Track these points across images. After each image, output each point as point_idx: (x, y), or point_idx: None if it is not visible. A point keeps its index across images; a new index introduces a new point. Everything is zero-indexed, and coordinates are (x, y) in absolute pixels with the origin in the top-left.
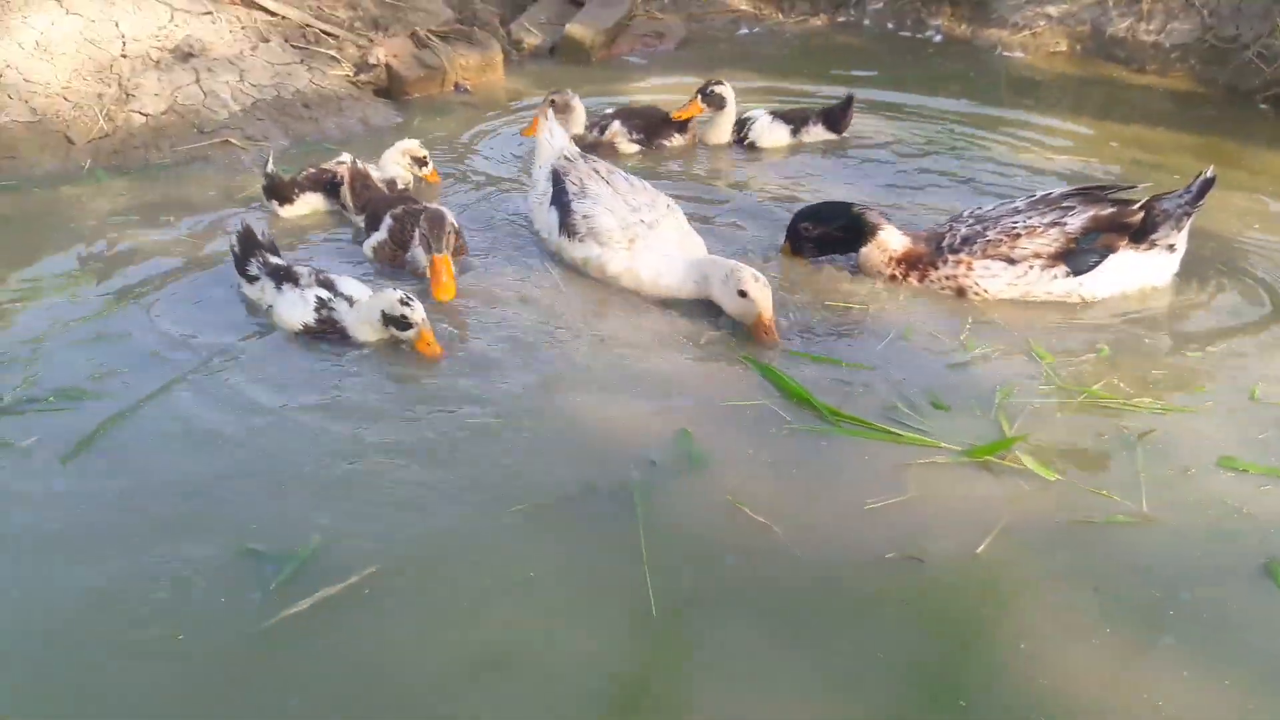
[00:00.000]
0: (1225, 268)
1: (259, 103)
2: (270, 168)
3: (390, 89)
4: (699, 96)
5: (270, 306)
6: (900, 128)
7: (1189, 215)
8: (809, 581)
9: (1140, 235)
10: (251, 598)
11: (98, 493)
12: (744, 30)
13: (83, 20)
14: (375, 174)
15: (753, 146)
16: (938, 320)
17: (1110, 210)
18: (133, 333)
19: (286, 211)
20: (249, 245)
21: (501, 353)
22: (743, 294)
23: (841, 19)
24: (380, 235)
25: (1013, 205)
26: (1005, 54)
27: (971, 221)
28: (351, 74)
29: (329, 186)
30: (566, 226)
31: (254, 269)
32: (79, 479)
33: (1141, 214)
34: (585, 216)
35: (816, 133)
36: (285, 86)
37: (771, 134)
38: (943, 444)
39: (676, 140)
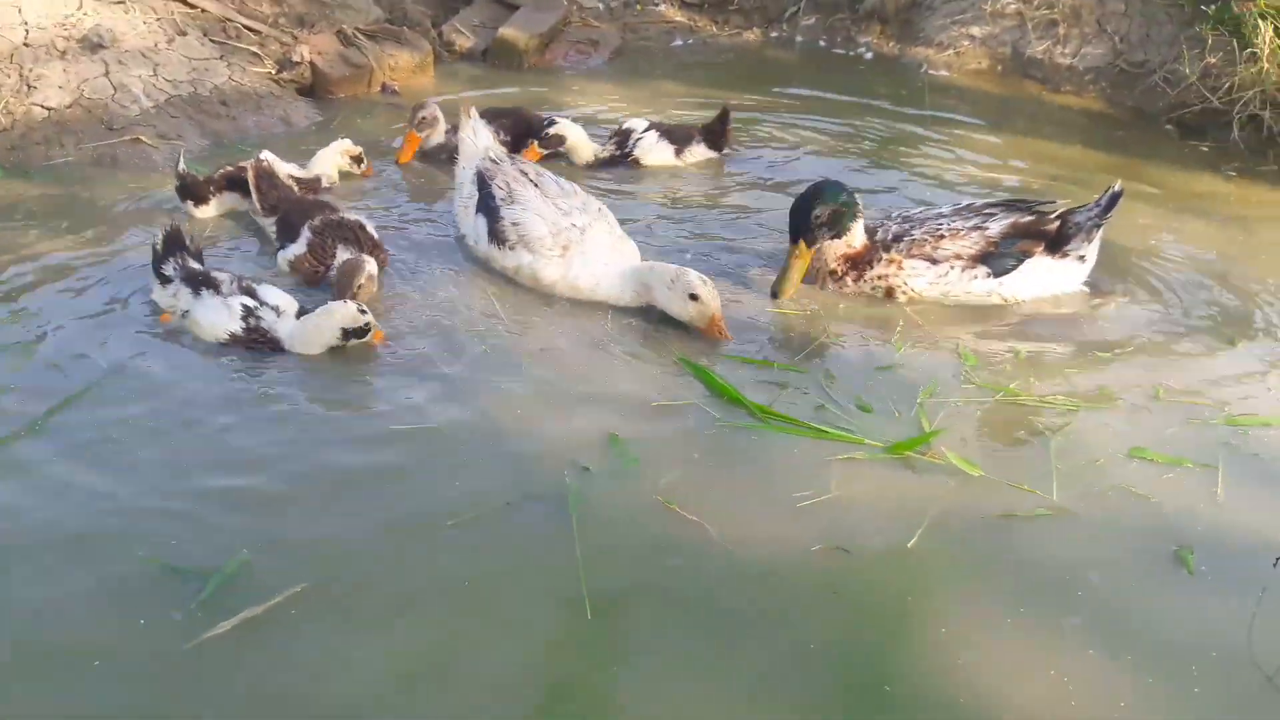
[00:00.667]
0: (1131, 277)
1: (173, 99)
2: (182, 167)
3: (314, 88)
4: (534, 142)
5: (186, 313)
6: (817, 141)
7: (1099, 227)
8: (741, 578)
9: (1055, 245)
10: (173, 618)
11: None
12: (678, 42)
13: None
14: (295, 171)
15: (636, 163)
16: (868, 324)
17: (1029, 218)
18: (30, 346)
19: (202, 212)
20: (172, 246)
21: (428, 361)
22: (694, 297)
23: (774, 34)
24: (298, 249)
25: (938, 210)
26: (931, 72)
27: (900, 220)
28: (274, 71)
29: (246, 184)
30: (495, 234)
31: (169, 270)
32: None
33: (1057, 224)
34: (515, 223)
35: (699, 152)
36: (202, 83)
37: (656, 152)
38: (867, 441)
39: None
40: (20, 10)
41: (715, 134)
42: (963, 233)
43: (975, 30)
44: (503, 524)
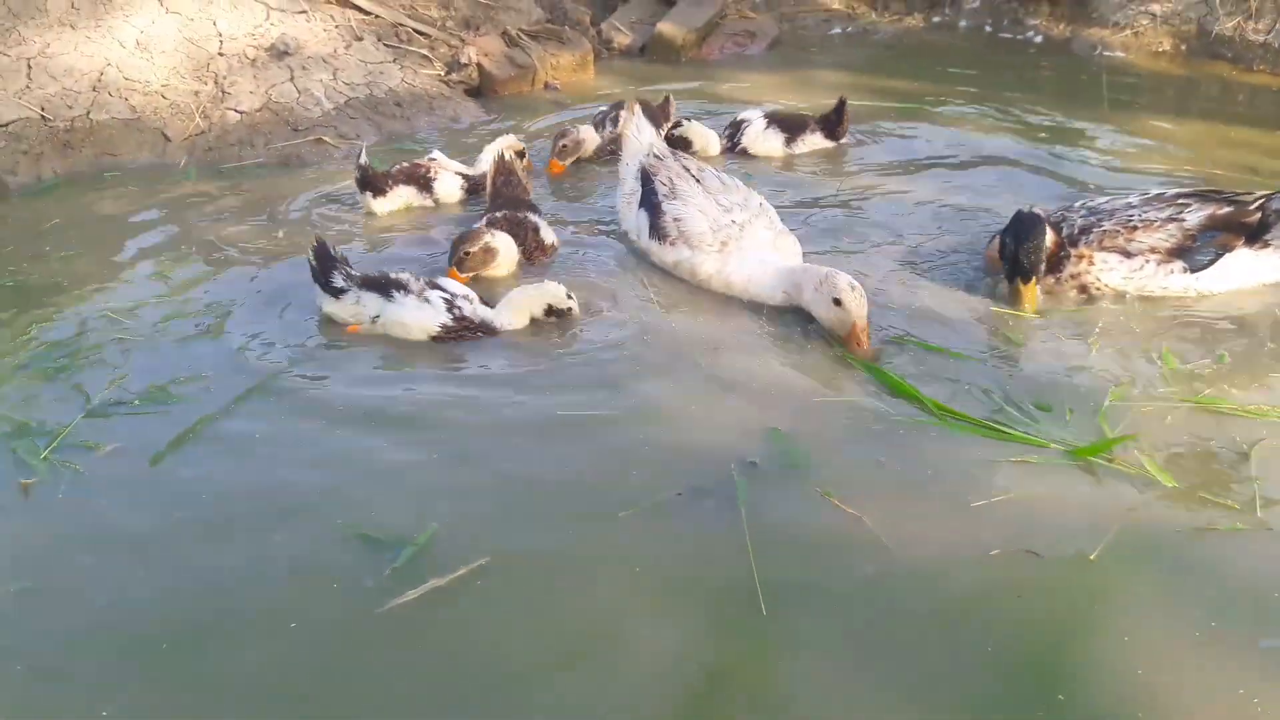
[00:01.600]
0: None
1: (352, 101)
2: (364, 160)
3: (481, 88)
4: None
5: (376, 318)
6: (979, 130)
7: None
8: (911, 577)
9: (1255, 235)
10: (366, 585)
11: (194, 490)
12: (836, 30)
13: (181, 19)
14: (463, 169)
15: (745, 153)
16: (1065, 322)
17: (1228, 209)
18: (222, 334)
19: (379, 204)
20: (326, 260)
21: (597, 353)
22: (837, 302)
23: (937, 19)
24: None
25: (1125, 200)
26: (1106, 54)
27: (1085, 213)
28: (443, 73)
29: (421, 180)
30: (657, 229)
31: (340, 281)
32: (174, 478)
33: (1258, 214)
34: (676, 219)
35: (813, 141)
36: (378, 85)
37: (765, 142)
38: (1051, 444)
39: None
40: (215, 23)
41: (831, 123)
42: (1157, 224)
43: (1155, 7)
44: (674, 515)
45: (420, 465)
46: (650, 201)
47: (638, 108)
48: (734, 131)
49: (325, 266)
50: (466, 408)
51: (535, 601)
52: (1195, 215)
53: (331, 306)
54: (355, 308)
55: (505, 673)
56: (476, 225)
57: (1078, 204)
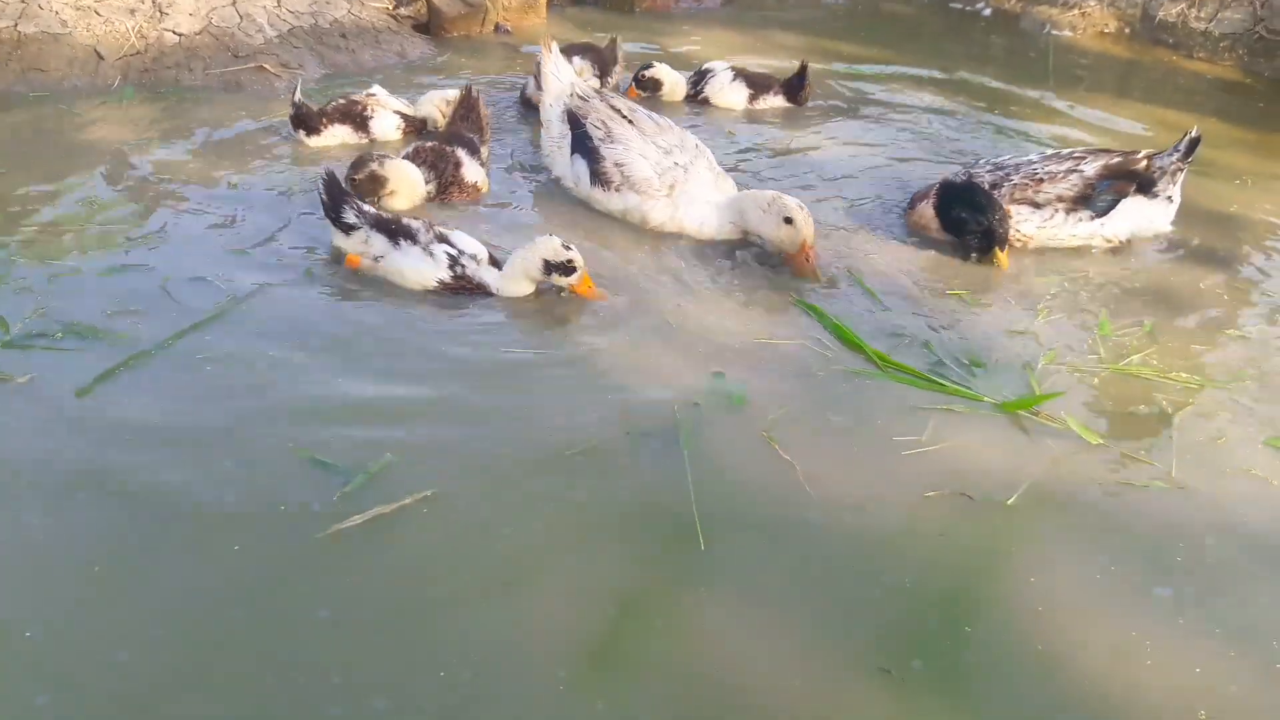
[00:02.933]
0: (1265, 258)
1: (295, 30)
2: (298, 97)
3: (430, 25)
4: (634, 84)
5: (379, 258)
6: (919, 99)
7: (1181, 170)
8: (841, 517)
9: (1145, 185)
10: (313, 509)
11: (128, 418)
12: None
13: None
14: (403, 108)
15: (706, 102)
16: (1005, 284)
17: (1118, 159)
18: (154, 266)
19: (313, 141)
20: (336, 193)
21: (541, 300)
22: (788, 220)
23: None
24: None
25: (1026, 157)
26: (1054, 32)
27: (991, 168)
28: (391, 7)
29: (357, 118)
30: (599, 176)
31: (351, 217)
32: (110, 406)
33: (1145, 162)
34: (618, 164)
35: (775, 101)
36: (323, 15)
37: (729, 93)
38: (984, 397)
39: (615, 77)
40: None
41: (794, 87)
42: (1060, 176)
43: None
44: (620, 455)
45: (370, 399)
46: (585, 146)
47: (554, 45)
48: (698, 80)
49: (335, 201)
50: (421, 347)
51: (475, 532)
52: (1091, 166)
53: (340, 241)
54: (363, 246)
55: (432, 599)
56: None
57: (980, 161)
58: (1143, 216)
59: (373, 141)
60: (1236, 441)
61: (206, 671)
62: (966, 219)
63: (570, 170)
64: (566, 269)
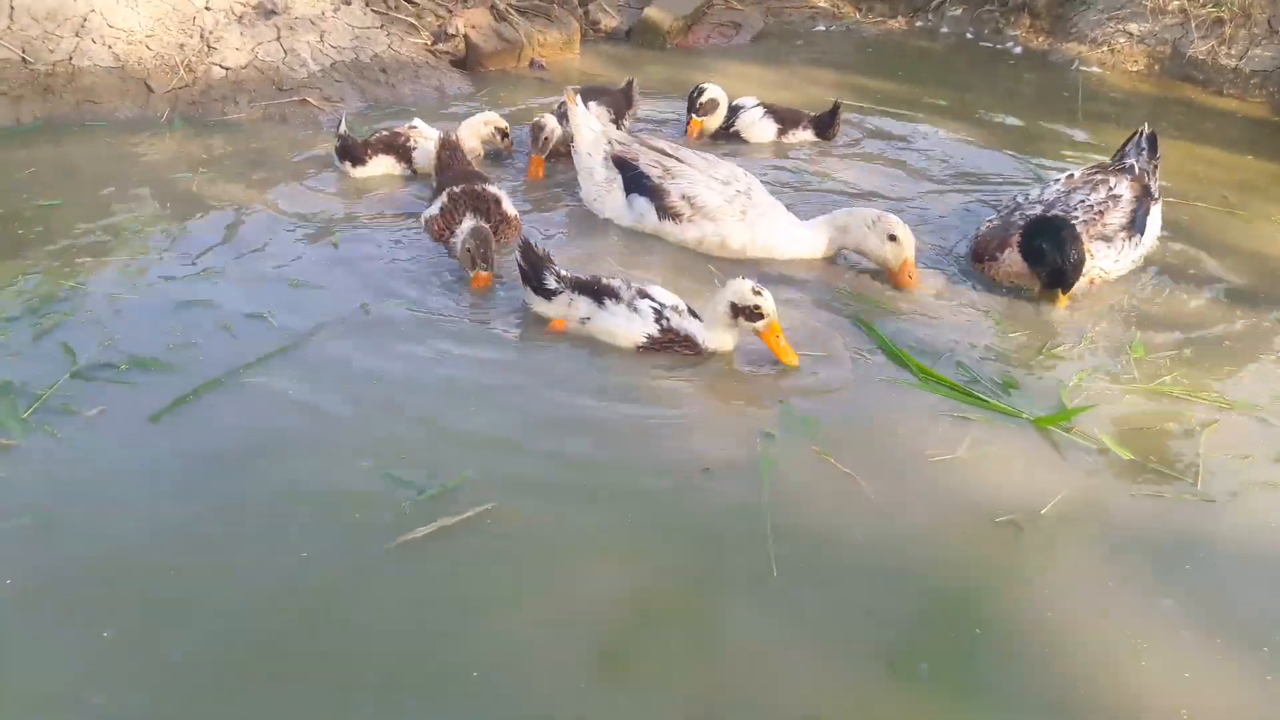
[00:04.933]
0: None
1: (337, 64)
2: (343, 129)
3: (467, 60)
4: (694, 115)
5: (585, 320)
6: (954, 136)
7: (1156, 167)
8: (881, 524)
9: (1149, 192)
10: (384, 519)
11: (198, 443)
12: (820, 27)
13: None
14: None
15: (737, 136)
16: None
17: (1128, 175)
18: (214, 301)
19: (358, 172)
20: (536, 260)
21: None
22: (892, 238)
23: (920, 23)
24: (432, 210)
25: (1057, 190)
26: (1083, 69)
27: (1042, 209)
28: (429, 42)
29: (400, 149)
30: (667, 210)
31: (553, 283)
32: (181, 432)
33: (1137, 168)
34: (686, 196)
35: (804, 136)
36: (364, 50)
37: (759, 129)
38: (1022, 414)
39: (629, 121)
40: None
41: (824, 124)
42: (1109, 204)
43: (1133, 27)
44: (699, 488)
45: (442, 430)
46: (644, 185)
47: (579, 97)
48: (730, 115)
49: (537, 269)
50: (489, 383)
51: (543, 551)
52: (1124, 187)
53: (541, 307)
54: (567, 309)
55: (489, 606)
56: (436, 203)
57: (1004, 203)
58: (1155, 223)
59: (415, 172)
60: (1263, 459)
61: (249, 666)
62: (1045, 251)
63: (628, 210)
64: (753, 314)
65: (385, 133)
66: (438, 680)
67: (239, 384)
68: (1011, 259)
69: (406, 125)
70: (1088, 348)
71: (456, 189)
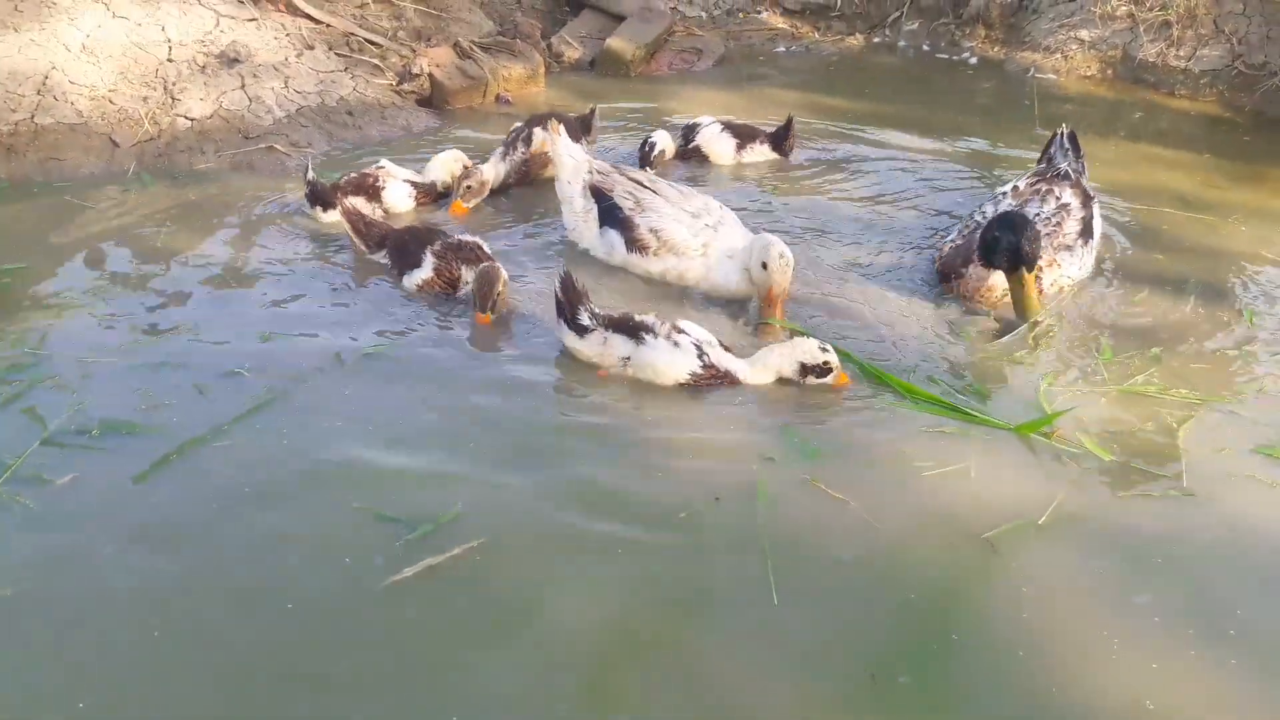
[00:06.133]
0: (1253, 284)
1: (303, 109)
2: (311, 175)
3: (432, 98)
4: (647, 168)
5: (626, 359)
6: (914, 147)
7: (1084, 167)
8: (870, 539)
9: (1087, 194)
10: (376, 562)
11: (180, 502)
12: (781, 49)
13: (129, 24)
14: (413, 177)
15: (697, 152)
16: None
17: (1067, 180)
18: (185, 360)
19: (329, 217)
20: (574, 295)
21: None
22: (763, 265)
23: (877, 39)
24: (424, 273)
25: (1008, 204)
26: (1038, 76)
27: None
28: (394, 83)
29: (370, 190)
30: (635, 243)
31: (586, 319)
32: (161, 493)
33: (1081, 178)
34: (654, 230)
35: (762, 151)
36: (329, 94)
37: (718, 144)
38: (1003, 424)
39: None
40: (164, 29)
41: (779, 138)
42: (1066, 215)
43: (1084, 33)
44: (696, 520)
45: (429, 469)
46: (616, 217)
47: (561, 127)
48: (688, 133)
49: (572, 303)
50: (477, 419)
51: (532, 585)
52: (1068, 193)
53: (574, 343)
54: (601, 348)
55: (478, 651)
56: (424, 268)
57: (966, 218)
58: (1099, 223)
59: (386, 212)
60: (1239, 451)
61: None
62: (999, 238)
63: (601, 241)
64: (823, 371)
65: (354, 175)
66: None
67: (219, 441)
68: (976, 273)
69: (374, 166)
70: (1058, 354)
71: (437, 245)
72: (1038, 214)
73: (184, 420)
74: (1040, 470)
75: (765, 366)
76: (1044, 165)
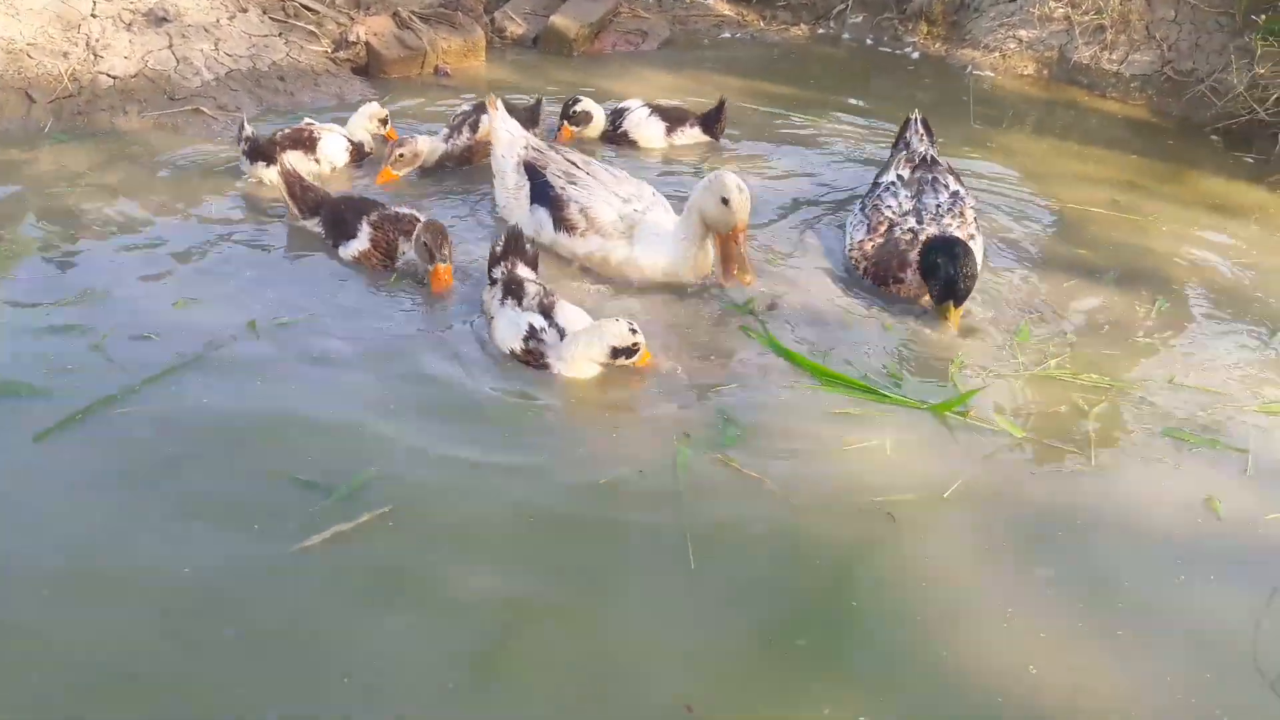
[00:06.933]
0: (1168, 279)
1: (233, 72)
2: (249, 130)
3: (369, 68)
4: (565, 122)
5: (493, 318)
6: (843, 137)
7: (938, 151)
8: (787, 519)
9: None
10: (287, 527)
11: (85, 464)
12: (726, 34)
13: None
14: (343, 138)
15: (625, 137)
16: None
17: (943, 166)
18: (92, 324)
19: (269, 173)
20: (511, 249)
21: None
22: (725, 201)
23: (821, 30)
24: (360, 244)
25: (905, 195)
26: (977, 73)
27: (915, 220)
28: (330, 50)
29: (307, 143)
30: (563, 222)
31: (498, 273)
32: (65, 454)
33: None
34: (583, 210)
35: (692, 134)
36: (261, 58)
37: (647, 129)
38: (925, 404)
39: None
40: None
41: (711, 120)
42: (961, 202)
43: (1023, 34)
44: (618, 492)
45: (351, 430)
46: (547, 194)
47: (499, 102)
48: (616, 117)
49: (505, 253)
50: (417, 381)
51: (441, 552)
52: (947, 176)
53: (485, 294)
54: (489, 302)
55: (384, 618)
56: (360, 238)
57: (887, 216)
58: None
59: (318, 162)
60: (1146, 435)
61: (121, 687)
62: (939, 265)
63: (530, 219)
64: (632, 352)
65: (287, 130)
66: (306, 686)
67: (127, 404)
68: (918, 280)
69: (304, 122)
70: (978, 338)
71: (373, 216)
72: (939, 205)
73: (89, 384)
74: (954, 447)
75: (579, 359)
76: (903, 150)
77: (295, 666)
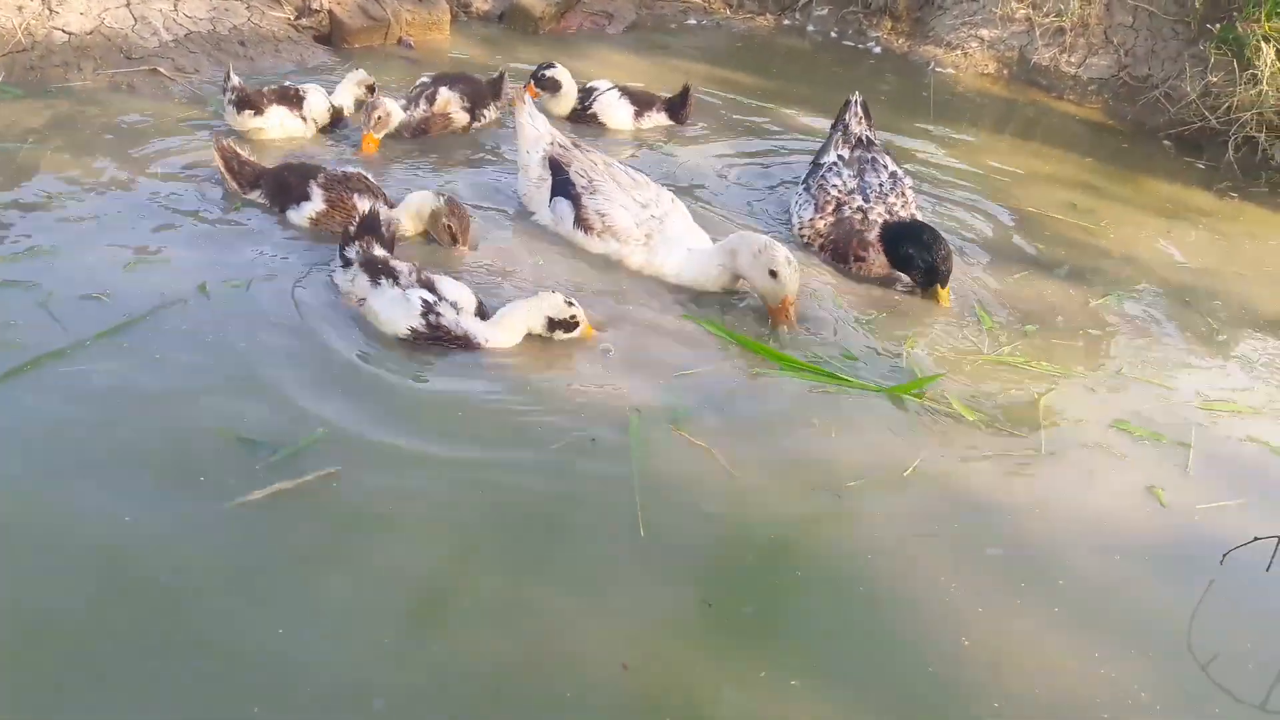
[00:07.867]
0: (1117, 279)
1: (193, 35)
2: (236, 80)
3: (331, 36)
4: (532, 81)
5: (363, 301)
6: (806, 125)
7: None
8: (741, 498)
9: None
10: (228, 483)
11: (27, 415)
12: (692, 21)
13: None
14: (325, 100)
15: (594, 119)
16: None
17: (880, 147)
18: (39, 281)
19: (256, 121)
20: (366, 229)
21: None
22: (773, 274)
23: (787, 22)
24: (316, 205)
25: (849, 174)
26: (939, 70)
27: (861, 198)
28: (292, 17)
29: (293, 99)
30: (581, 221)
31: (352, 253)
32: (5, 405)
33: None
34: (601, 214)
35: (658, 119)
36: (222, 22)
37: (616, 111)
38: (881, 387)
39: (493, 112)
40: None
41: (676, 106)
42: (900, 182)
43: (985, 33)
44: (570, 459)
45: (307, 381)
46: (569, 193)
47: (528, 96)
48: (585, 97)
49: (360, 232)
50: (368, 344)
51: (385, 511)
52: (885, 156)
53: (339, 276)
54: (351, 285)
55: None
56: (313, 201)
57: (834, 195)
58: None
59: (304, 119)
60: (1094, 423)
61: (51, 635)
62: (914, 256)
63: (550, 212)
64: (570, 325)
65: (274, 86)
66: (240, 639)
67: (74, 359)
68: (881, 260)
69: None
70: (934, 324)
71: (320, 177)
72: (881, 185)
73: (35, 339)
74: (908, 429)
75: (511, 327)
76: (840, 131)
77: (229, 614)
